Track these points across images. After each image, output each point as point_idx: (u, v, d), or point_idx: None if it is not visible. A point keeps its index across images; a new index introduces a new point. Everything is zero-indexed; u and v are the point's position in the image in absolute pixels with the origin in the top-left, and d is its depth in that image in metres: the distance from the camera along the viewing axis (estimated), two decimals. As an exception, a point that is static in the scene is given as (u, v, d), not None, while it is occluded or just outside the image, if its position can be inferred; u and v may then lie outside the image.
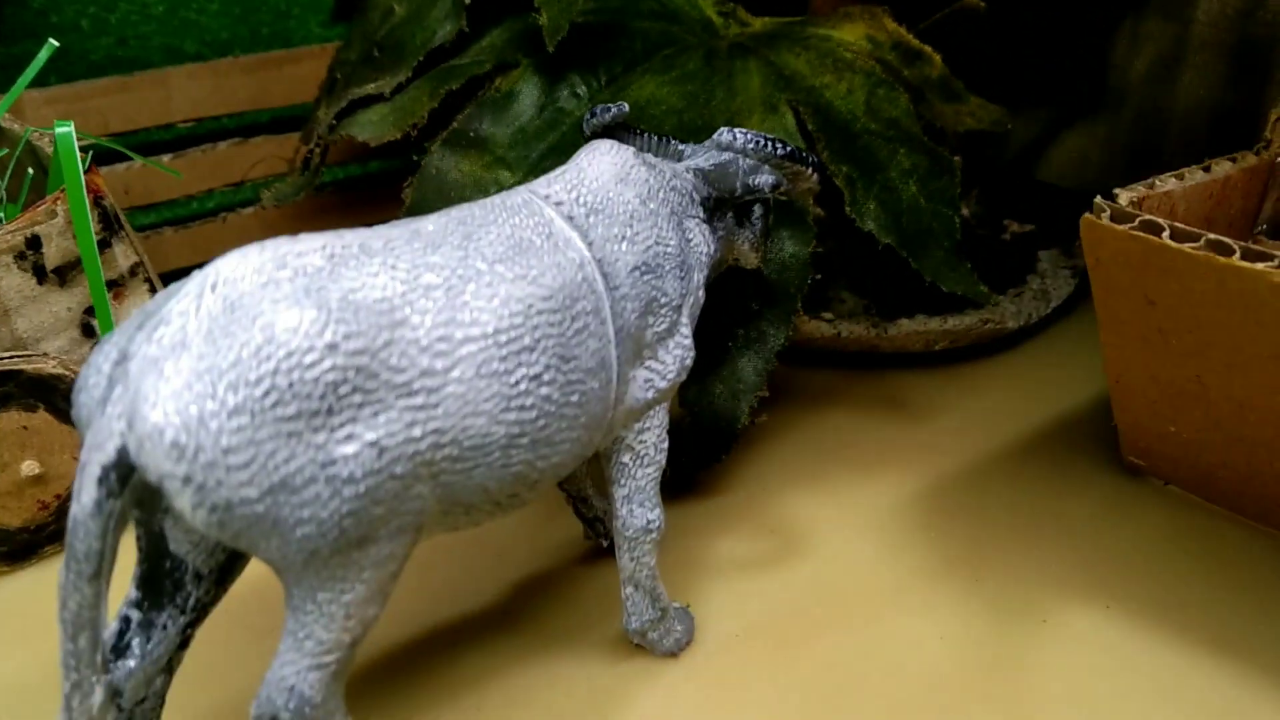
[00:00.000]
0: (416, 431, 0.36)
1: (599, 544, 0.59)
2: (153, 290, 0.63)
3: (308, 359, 0.34)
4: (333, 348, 0.34)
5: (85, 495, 0.33)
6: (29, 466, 0.58)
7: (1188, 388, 0.56)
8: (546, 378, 0.39)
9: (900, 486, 0.66)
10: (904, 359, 0.79)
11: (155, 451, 0.32)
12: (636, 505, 0.48)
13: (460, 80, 0.68)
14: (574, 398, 0.41)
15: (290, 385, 0.33)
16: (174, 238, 0.89)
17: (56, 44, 0.75)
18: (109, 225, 0.61)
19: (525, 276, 0.40)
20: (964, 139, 0.87)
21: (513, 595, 0.57)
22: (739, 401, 0.62)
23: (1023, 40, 1.03)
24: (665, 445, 0.48)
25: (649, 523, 0.48)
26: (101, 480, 0.33)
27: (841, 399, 0.76)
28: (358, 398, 0.35)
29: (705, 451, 0.62)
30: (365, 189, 0.96)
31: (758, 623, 0.55)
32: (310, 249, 0.36)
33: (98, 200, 0.60)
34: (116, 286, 0.62)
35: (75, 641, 0.35)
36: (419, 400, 0.36)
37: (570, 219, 0.44)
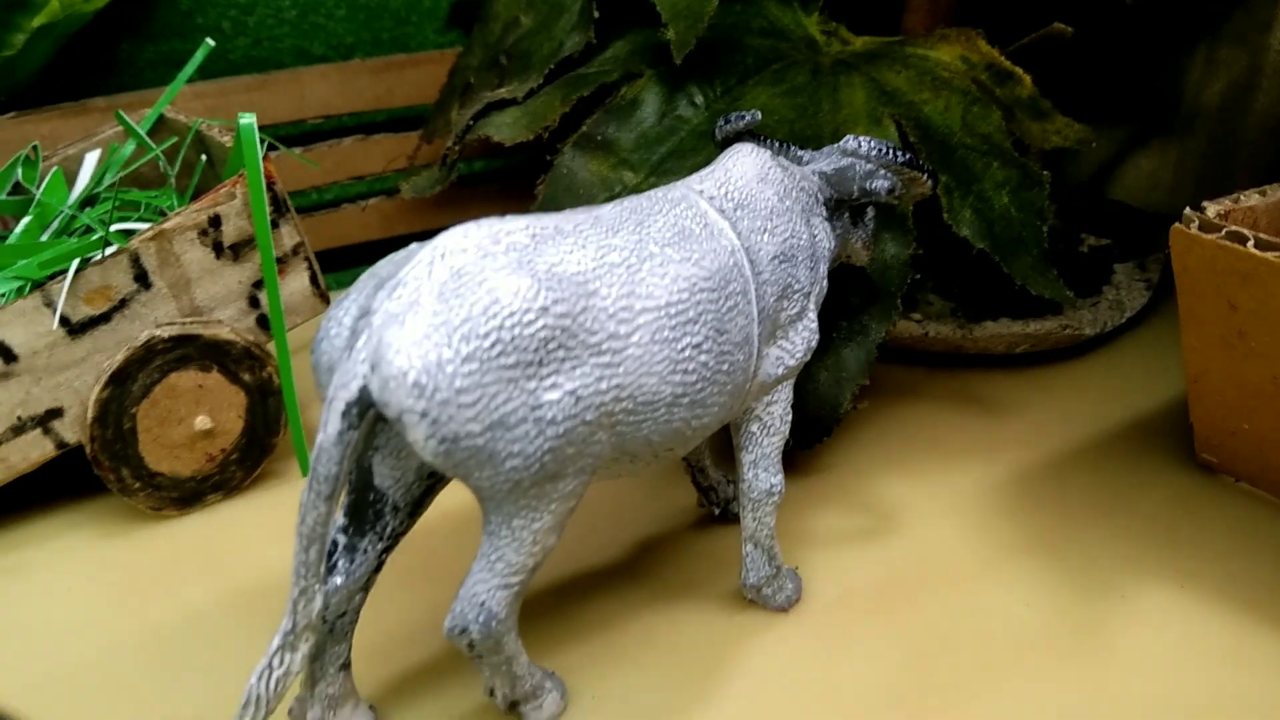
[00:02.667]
0: (604, 385, 0.42)
1: (711, 512, 0.65)
2: (310, 267, 0.70)
3: (526, 318, 0.40)
4: (545, 310, 0.40)
5: (331, 426, 0.40)
6: (201, 421, 0.65)
7: (1264, 388, 0.60)
8: (706, 347, 0.45)
9: (984, 475, 0.71)
10: (986, 360, 0.84)
11: (399, 390, 0.38)
12: (762, 470, 0.54)
13: (591, 88, 0.74)
14: (725, 366, 0.47)
15: (512, 339, 0.39)
16: (302, 224, 0.96)
17: (212, 43, 0.82)
18: (279, 208, 0.67)
19: (689, 259, 0.46)
20: (1044, 156, 0.92)
21: (634, 553, 0.63)
22: (842, 389, 0.68)
23: (1102, 62, 1.08)
24: (789, 417, 0.54)
25: (772, 486, 0.54)
26: (345, 414, 0.39)
27: (928, 394, 0.81)
28: (561, 353, 0.41)
29: (808, 433, 0.68)
30: (488, 183, 1.03)
31: (858, 587, 0.60)
32: (517, 228, 0.43)
33: (270, 185, 0.67)
34: (280, 263, 0.68)
35: (308, 552, 0.41)
36: (606, 359, 0.42)
37: (721, 211, 0.49)
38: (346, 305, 0.42)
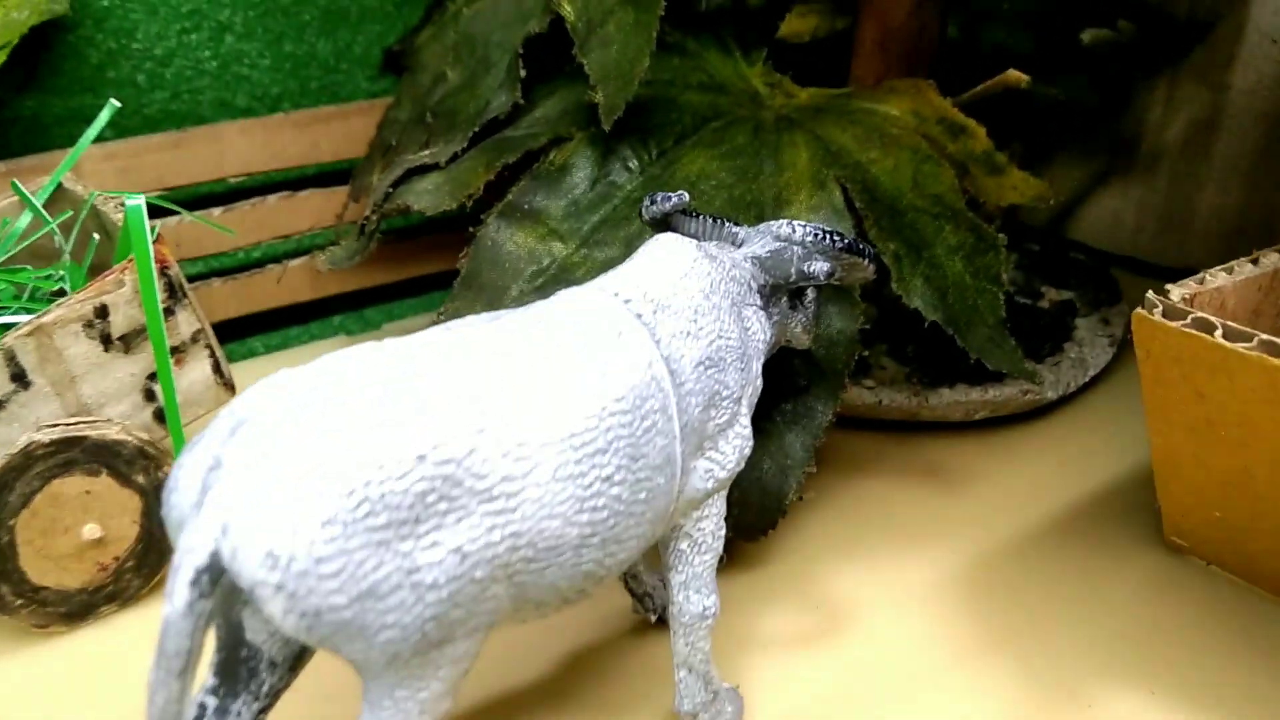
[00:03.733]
0: (496, 535, 0.37)
1: (647, 619, 0.60)
2: (212, 354, 0.65)
3: (399, 470, 0.35)
4: (421, 458, 0.35)
5: (178, 597, 0.34)
6: (90, 530, 0.59)
7: (1235, 478, 0.56)
8: (618, 478, 0.41)
9: (941, 561, 0.67)
10: (943, 426, 0.80)
11: (249, 559, 0.33)
12: (693, 592, 0.49)
13: (517, 153, 0.69)
14: (642, 495, 0.42)
15: (382, 496, 0.34)
16: (221, 289, 0.91)
17: (118, 104, 0.77)
18: (173, 294, 0.62)
19: (599, 378, 0.41)
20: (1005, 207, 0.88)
21: (560, 668, 0.58)
22: (787, 477, 0.63)
23: (1056, 101, 1.04)
24: (722, 533, 0.49)
25: (705, 609, 0.49)
26: (194, 583, 0.34)
27: (882, 466, 0.76)
28: (443, 505, 0.36)
29: (752, 526, 0.63)
30: (415, 238, 0.98)
31: (803, 704, 0.56)
32: (391, 355, 0.38)
33: (164, 270, 0.61)
34: (178, 353, 0.63)
35: (161, 734, 0.36)
36: (499, 505, 0.37)
37: (639, 316, 0.45)
38: (198, 450, 0.36)
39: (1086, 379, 0.83)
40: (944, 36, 0.87)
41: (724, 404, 0.47)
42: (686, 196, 0.53)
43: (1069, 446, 0.79)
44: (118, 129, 0.89)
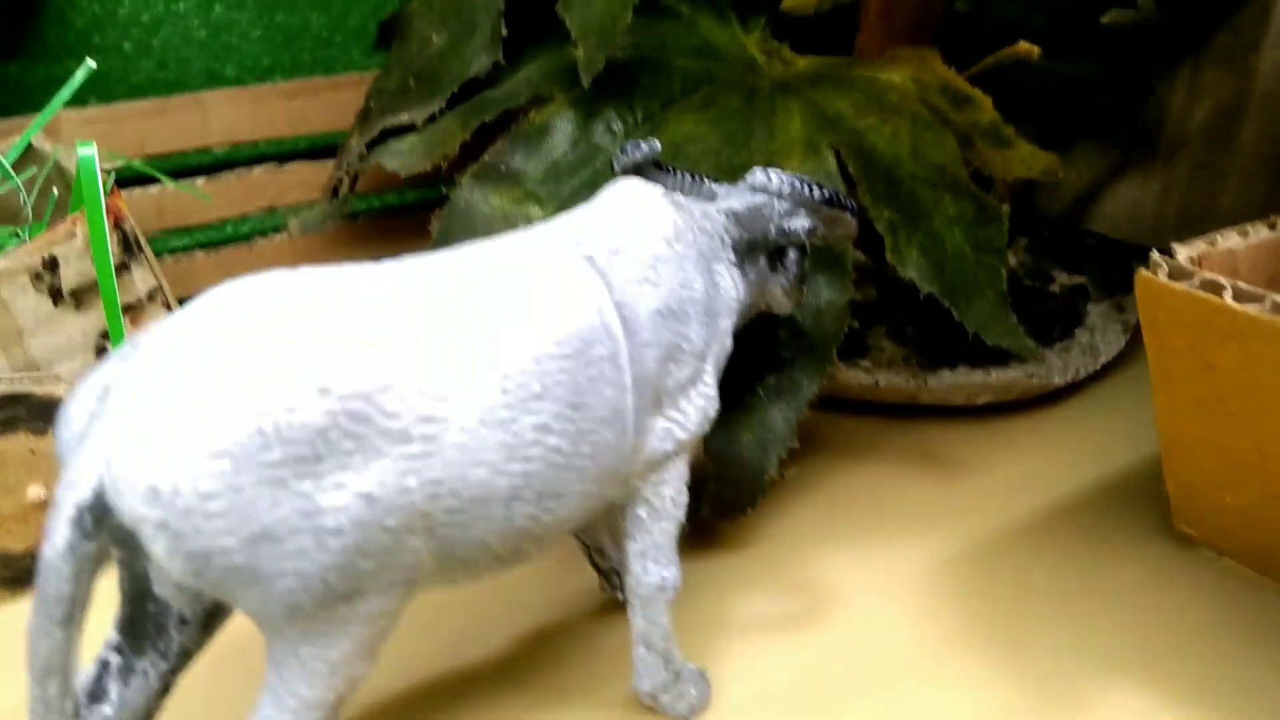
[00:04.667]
0: (411, 481, 0.34)
1: (615, 597, 0.56)
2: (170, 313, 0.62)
3: (299, 401, 0.32)
4: (325, 391, 0.32)
5: (57, 536, 0.31)
6: (35, 491, 0.57)
7: (1247, 458, 0.52)
8: (555, 426, 0.37)
9: (936, 548, 0.63)
10: (944, 411, 0.76)
11: (130, 493, 0.30)
12: (651, 562, 0.45)
13: (494, 112, 0.66)
14: (584, 448, 0.38)
15: (277, 429, 0.31)
16: (205, 261, 0.88)
17: (94, 65, 0.75)
18: (129, 249, 0.60)
19: (538, 319, 0.38)
20: (1014, 186, 0.84)
21: (522, 648, 0.54)
22: (767, 452, 0.59)
23: (1077, 86, 1.01)
24: (684, 500, 0.46)
25: (664, 580, 0.46)
26: (76, 521, 0.31)
27: (877, 451, 0.73)
28: (349, 444, 0.33)
29: (730, 503, 0.60)
30: (399, 218, 0.95)
31: (777, 689, 0.52)
32: (314, 282, 0.35)
33: (118, 223, 0.59)
34: (133, 310, 0.61)
35: (44, 688, 0.33)
36: (415, 449, 0.34)
37: (591, 259, 0.41)
38: (91, 382, 0.33)
39: (1097, 367, 0.79)
40: (952, 9, 0.83)
41: (684, 359, 0.43)
42: (658, 145, 0.50)
43: (1076, 436, 0.75)
44: (103, 96, 0.87)
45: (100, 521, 0.32)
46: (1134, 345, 0.83)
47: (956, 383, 0.73)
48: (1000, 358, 0.74)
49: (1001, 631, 0.56)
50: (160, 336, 0.33)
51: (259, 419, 0.31)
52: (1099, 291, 0.86)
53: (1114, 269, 0.89)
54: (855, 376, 0.74)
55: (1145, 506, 0.67)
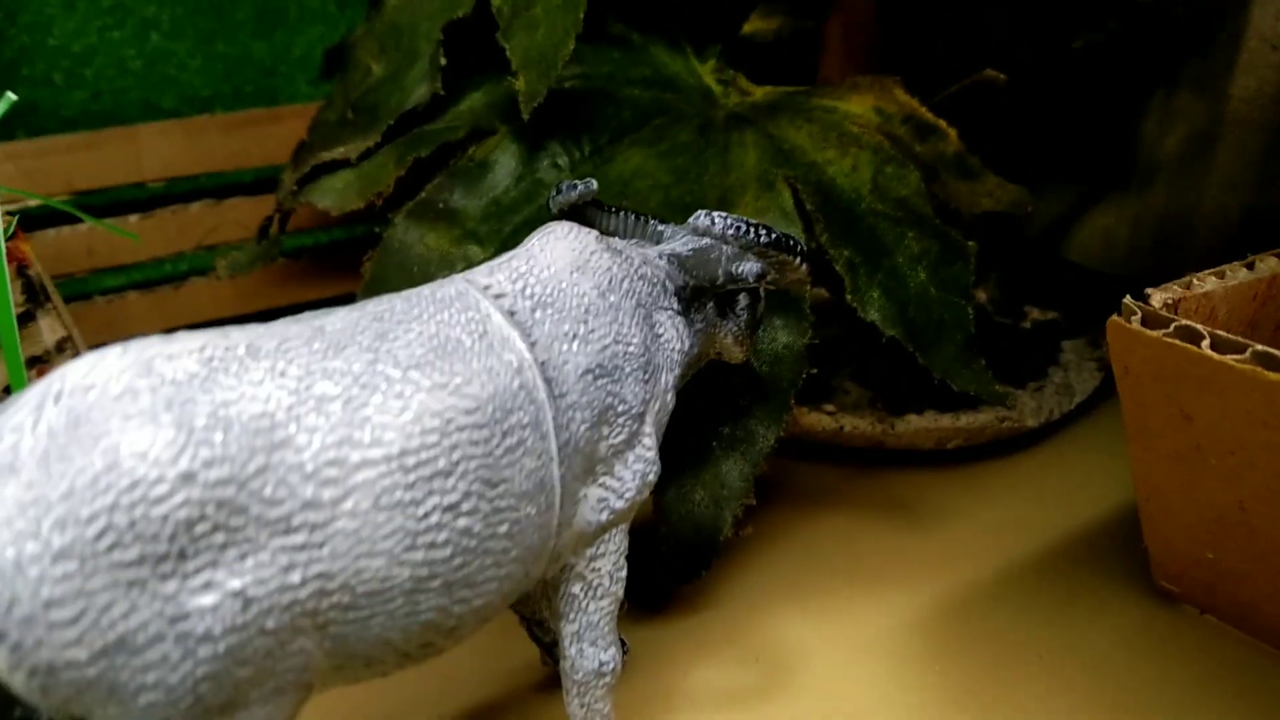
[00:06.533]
0: (295, 577, 0.30)
1: (559, 670, 0.52)
2: (82, 368, 0.58)
3: (155, 491, 0.28)
4: (188, 477, 0.28)
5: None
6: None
7: (1229, 513, 0.49)
8: (466, 507, 0.33)
9: (904, 607, 0.59)
10: (912, 457, 0.73)
11: (-41, 603, 0.26)
12: (588, 644, 0.41)
13: (430, 147, 0.63)
14: (502, 528, 0.35)
15: (131, 524, 0.27)
16: (139, 302, 0.84)
17: (14, 97, 0.71)
18: (34, 296, 0.55)
19: (446, 385, 0.34)
20: (983, 217, 0.81)
21: (456, 728, 0.50)
22: (721, 510, 0.56)
23: (1047, 113, 0.98)
24: (623, 574, 0.42)
25: (602, 665, 0.42)
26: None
27: (841, 501, 0.69)
28: (219, 537, 0.29)
29: (682, 565, 0.56)
30: (336, 255, 0.91)
31: (732, 771, 0.48)
32: (184, 350, 0.31)
33: (22, 269, 0.55)
34: (40, 363, 0.56)
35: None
36: (299, 538, 0.30)
37: (511, 314, 0.38)
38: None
39: (1072, 406, 0.76)
40: (917, 35, 0.81)
41: (619, 421, 0.39)
42: (594, 184, 0.46)
43: (1051, 480, 0.72)
44: (33, 130, 0.83)
45: (-69, 631, 0.27)
46: (1110, 383, 0.80)
47: (925, 427, 0.70)
48: (971, 400, 0.71)
49: (975, 698, 0.53)
50: (7, 417, 0.29)
51: (110, 513, 0.27)
52: (1072, 328, 0.83)
53: (1088, 303, 0.86)
54: (818, 421, 0.70)
55: (1123, 557, 0.63)
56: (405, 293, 0.37)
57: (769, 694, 0.53)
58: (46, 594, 0.27)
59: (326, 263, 0.91)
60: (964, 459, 0.73)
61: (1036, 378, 0.77)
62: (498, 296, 0.38)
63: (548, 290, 0.39)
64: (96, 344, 0.81)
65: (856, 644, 0.56)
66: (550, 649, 0.52)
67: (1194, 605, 0.58)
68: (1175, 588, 0.57)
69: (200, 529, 0.28)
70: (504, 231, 0.61)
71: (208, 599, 0.28)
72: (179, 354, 0.30)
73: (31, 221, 0.80)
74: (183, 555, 0.28)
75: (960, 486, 0.71)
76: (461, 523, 0.33)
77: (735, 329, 0.49)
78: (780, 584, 0.61)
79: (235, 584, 0.29)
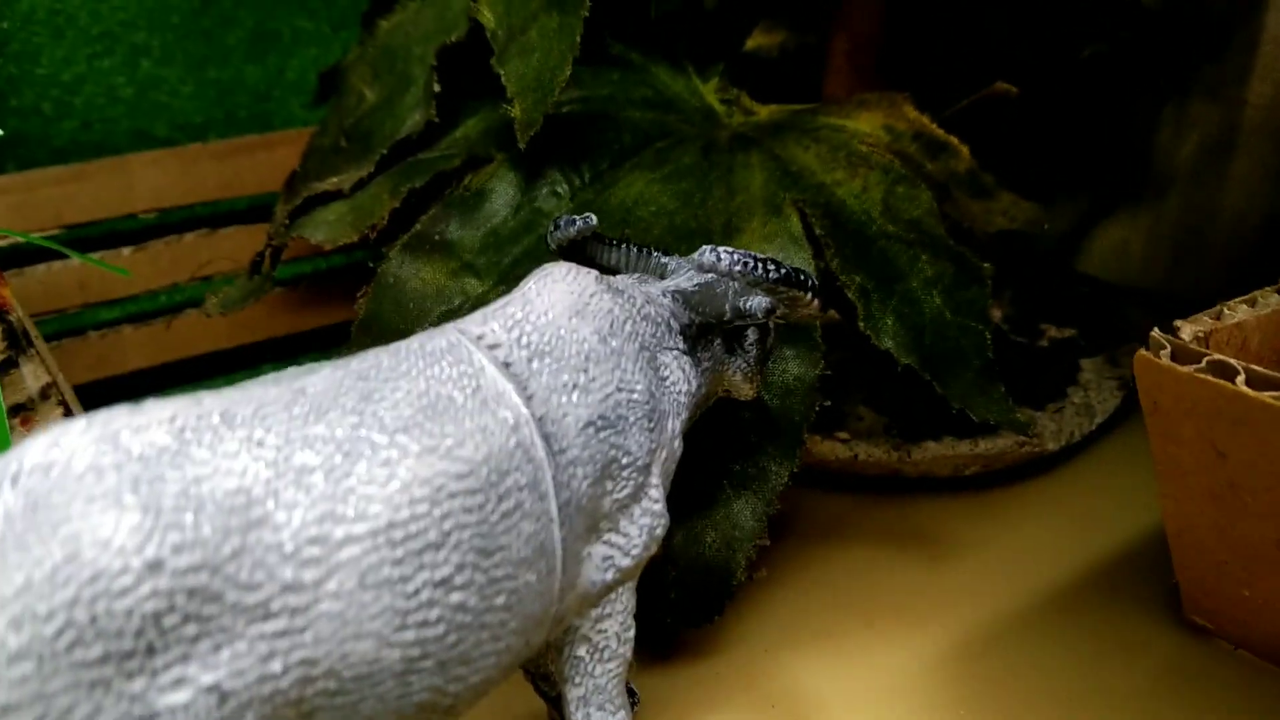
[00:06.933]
0: (276, 665, 0.28)
1: (565, 723, 0.50)
2: (68, 413, 0.56)
3: (119, 584, 0.25)
4: (155, 566, 0.26)
5: None
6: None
7: (1266, 551, 0.46)
8: (459, 580, 0.31)
9: (925, 647, 0.57)
10: (930, 484, 0.70)
11: (-95, 713, 0.24)
12: (595, 709, 0.39)
13: (425, 177, 0.61)
14: (499, 600, 0.32)
15: (93, 620, 0.25)
16: (133, 336, 0.82)
17: (1, 131, 0.69)
18: (15, 342, 0.53)
19: (436, 449, 0.32)
20: (995, 235, 0.79)
21: (459, 788, 0.48)
22: (734, 552, 0.53)
23: (1057, 124, 0.96)
24: (631, 634, 0.40)
25: (609, 730, 0.40)
26: None
27: (857, 533, 0.67)
28: (191, 629, 0.26)
29: (694, 609, 0.54)
30: (335, 283, 0.90)
31: (749, 831, 0.46)
32: (153, 421, 0.28)
33: (3, 313, 0.53)
34: (24, 411, 0.54)
35: None
36: (280, 624, 0.28)
37: (507, 365, 0.35)
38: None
39: (1093, 427, 0.74)
40: (924, 49, 0.79)
41: (624, 474, 0.37)
42: (594, 220, 0.44)
43: (1074, 506, 0.70)
44: (22, 162, 0.81)
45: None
46: (1131, 402, 0.77)
47: (942, 453, 0.67)
48: (989, 425, 0.68)
49: (999, 747, 0.50)
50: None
51: (70, 609, 0.25)
52: (1091, 345, 0.81)
53: (1106, 319, 0.84)
54: (832, 449, 0.68)
55: (1151, 586, 0.61)
56: (393, 346, 0.35)
57: (786, 744, 0.51)
58: (2, 698, 0.24)
59: (325, 291, 0.89)
60: (983, 485, 0.71)
61: (1056, 399, 0.74)
62: (492, 347, 0.36)
63: (545, 338, 0.37)
64: (91, 380, 0.79)
65: (876, 689, 0.54)
66: (556, 704, 0.49)
67: (1228, 640, 0.55)
68: (1208, 623, 0.55)
69: (169, 621, 0.26)
70: (503, 263, 0.59)
71: (179, 696, 0.26)
72: (147, 425, 0.28)
73: (21, 257, 0.78)
74: (151, 650, 0.26)
75: (980, 514, 0.68)
76: (455, 598, 0.31)
77: (744, 365, 0.47)
78: (795, 625, 0.58)
79: (209, 678, 0.26)
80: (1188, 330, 0.44)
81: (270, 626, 0.28)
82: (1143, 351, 0.44)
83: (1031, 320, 0.83)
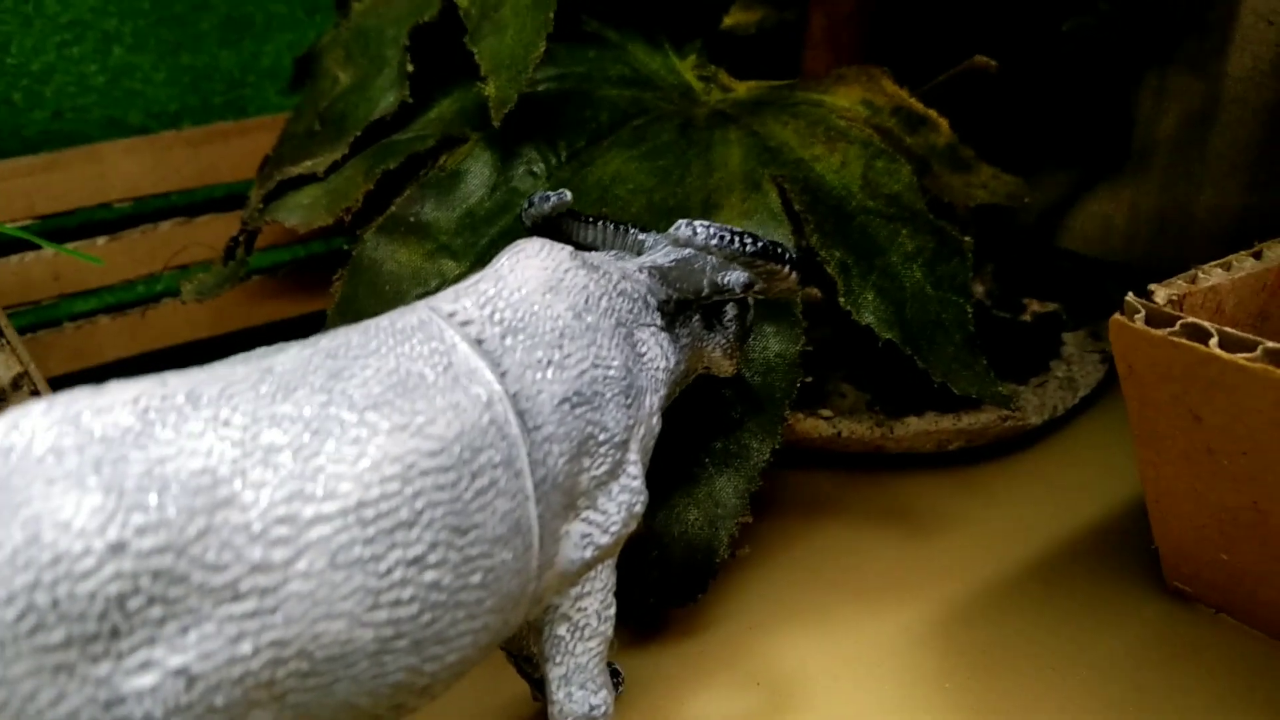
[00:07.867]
0: (245, 647, 0.27)
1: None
2: (42, 403, 0.55)
3: (81, 566, 0.25)
4: (118, 548, 0.26)
5: None
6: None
7: (1242, 515, 0.46)
8: (433, 559, 0.31)
9: (910, 620, 0.57)
10: (912, 460, 0.70)
11: None
12: (576, 687, 0.39)
13: (399, 158, 0.60)
14: (475, 578, 0.32)
15: (55, 603, 0.25)
16: (109, 326, 0.81)
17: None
18: (-16, 332, 0.53)
19: (407, 426, 0.31)
20: (976, 209, 0.79)
21: (444, 770, 0.48)
22: (717, 530, 0.53)
23: (1038, 98, 0.95)
24: (611, 611, 0.40)
25: (593, 709, 0.39)
26: None
27: (841, 509, 0.67)
28: (156, 611, 0.26)
29: (677, 588, 0.53)
30: (314, 270, 0.89)
31: (735, 807, 0.46)
32: (116, 402, 0.28)
33: (-28, 304, 0.52)
34: (-4, 402, 0.54)
35: None
36: (249, 605, 0.27)
37: (479, 343, 0.35)
38: None
39: (1075, 401, 0.74)
40: (903, 23, 0.78)
41: (601, 451, 0.37)
42: (568, 195, 0.44)
43: (1057, 479, 0.70)
44: (-7, 152, 0.80)
45: None
46: (1114, 376, 0.77)
47: (925, 429, 0.67)
48: (972, 399, 0.68)
49: (984, 713, 0.50)
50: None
51: (31, 592, 0.25)
52: (1074, 319, 0.81)
53: (1088, 293, 0.84)
54: (814, 426, 0.68)
55: (1134, 555, 0.61)
56: (363, 324, 0.35)
57: (771, 719, 0.50)
58: (-36, 684, 0.24)
59: (303, 278, 0.88)
60: (966, 460, 0.71)
61: (1038, 373, 0.74)
62: (464, 324, 0.35)
63: (518, 314, 0.36)
64: (68, 372, 0.79)
65: (862, 662, 0.54)
66: (539, 685, 0.49)
67: (1208, 605, 0.55)
68: (1188, 588, 0.55)
69: (134, 604, 0.26)
70: (479, 244, 0.59)
71: (146, 680, 0.26)
72: (110, 406, 0.28)
73: (-7, 248, 0.77)
74: (115, 634, 0.25)
75: (963, 489, 0.68)
76: (429, 576, 0.31)
77: (723, 341, 0.47)
78: (780, 602, 0.58)
79: (176, 661, 0.26)
80: (1162, 294, 0.44)
81: (239, 608, 0.27)
82: (1117, 316, 0.44)
83: (1014, 295, 0.83)
